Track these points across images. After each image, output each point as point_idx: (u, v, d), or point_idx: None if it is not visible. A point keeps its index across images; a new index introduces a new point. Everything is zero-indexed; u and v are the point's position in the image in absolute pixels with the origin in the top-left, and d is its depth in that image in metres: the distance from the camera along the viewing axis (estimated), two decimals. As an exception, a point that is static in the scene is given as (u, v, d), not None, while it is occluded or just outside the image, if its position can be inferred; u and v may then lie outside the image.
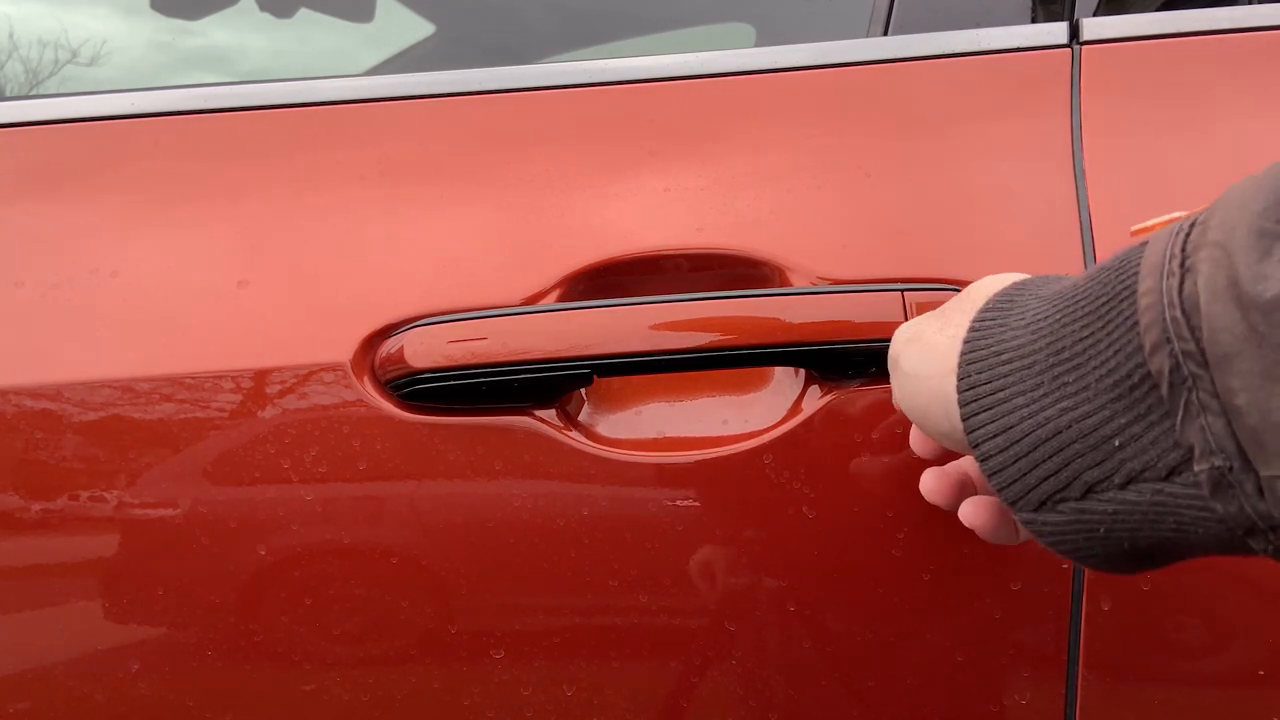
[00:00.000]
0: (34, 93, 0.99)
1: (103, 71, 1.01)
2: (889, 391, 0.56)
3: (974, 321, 0.40)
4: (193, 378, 0.58)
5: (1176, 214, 0.38)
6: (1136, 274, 0.33)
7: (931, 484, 0.51)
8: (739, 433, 0.58)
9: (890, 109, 0.63)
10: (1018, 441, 0.36)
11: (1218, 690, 0.59)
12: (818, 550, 0.58)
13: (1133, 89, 0.61)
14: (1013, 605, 0.58)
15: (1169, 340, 0.31)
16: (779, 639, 0.59)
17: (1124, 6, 0.68)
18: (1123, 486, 0.34)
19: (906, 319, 0.55)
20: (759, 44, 0.90)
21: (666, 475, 0.57)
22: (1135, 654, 0.58)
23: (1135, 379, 0.33)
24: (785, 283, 0.58)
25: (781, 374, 0.60)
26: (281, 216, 0.62)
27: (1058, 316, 0.37)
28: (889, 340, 0.50)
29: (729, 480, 0.57)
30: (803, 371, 0.59)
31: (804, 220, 0.59)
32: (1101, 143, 0.59)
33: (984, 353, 0.39)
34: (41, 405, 0.58)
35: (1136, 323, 0.33)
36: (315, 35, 1.11)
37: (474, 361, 0.55)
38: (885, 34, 0.67)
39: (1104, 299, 0.35)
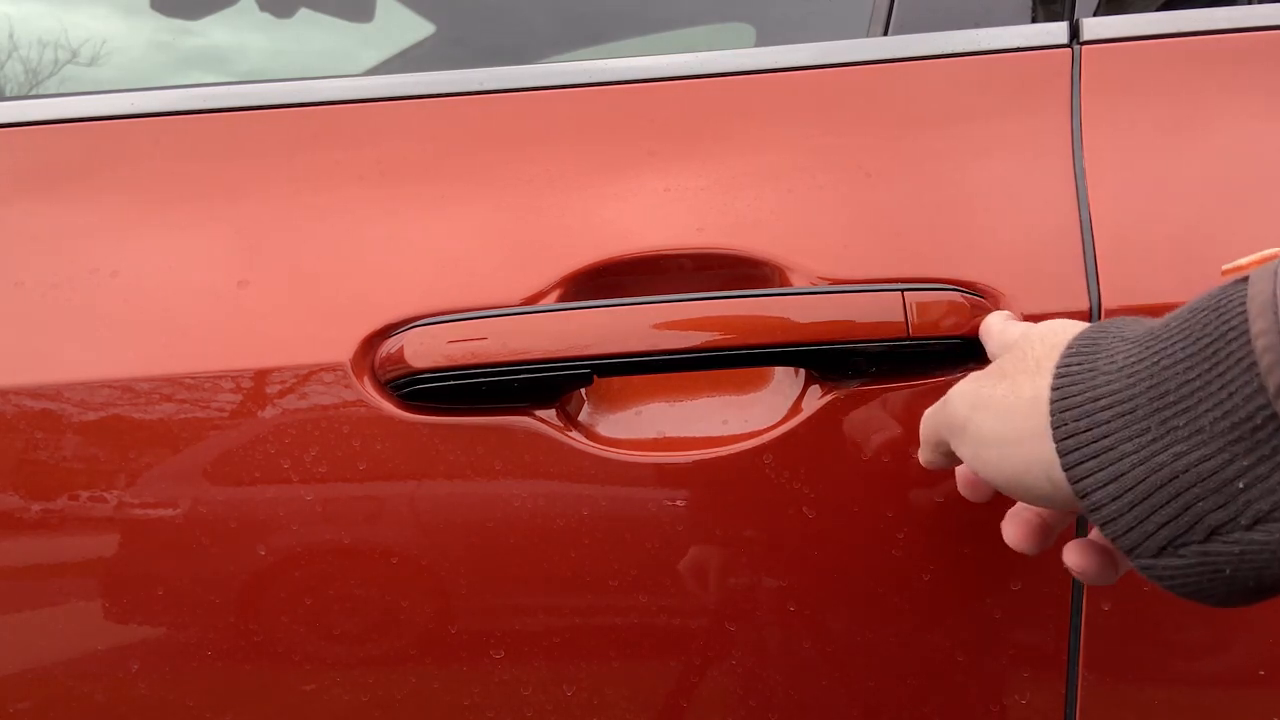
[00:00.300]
0: (34, 93, 0.99)
1: (103, 71, 1.01)
2: (889, 391, 0.56)
3: (1059, 369, 0.39)
4: (193, 378, 0.58)
5: (1269, 251, 0.38)
6: (1243, 314, 0.33)
7: (1015, 534, 0.51)
8: (739, 433, 0.58)
9: (890, 109, 0.63)
10: (1131, 489, 0.36)
11: (1218, 690, 0.59)
12: (818, 550, 0.57)
13: (1133, 89, 0.61)
14: (1013, 605, 0.58)
15: None
16: (779, 639, 0.59)
17: (1124, 6, 0.68)
18: (1249, 527, 0.34)
19: (906, 319, 0.55)
20: (759, 44, 0.90)
21: (666, 475, 0.57)
22: (1135, 654, 0.58)
23: (1258, 420, 0.32)
24: (785, 283, 0.58)
25: (781, 374, 0.60)
26: (281, 216, 0.62)
27: (1154, 359, 0.36)
28: (889, 340, 0.50)
29: (729, 480, 0.57)
30: (803, 371, 0.59)
31: (804, 220, 0.59)
32: (1101, 143, 0.59)
33: (1078, 398, 0.38)
34: (41, 405, 0.58)
35: (1254, 364, 0.32)
36: (315, 35, 1.11)
37: (474, 361, 0.55)
38: (885, 34, 0.67)
39: (1206, 340, 0.34)
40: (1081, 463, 0.37)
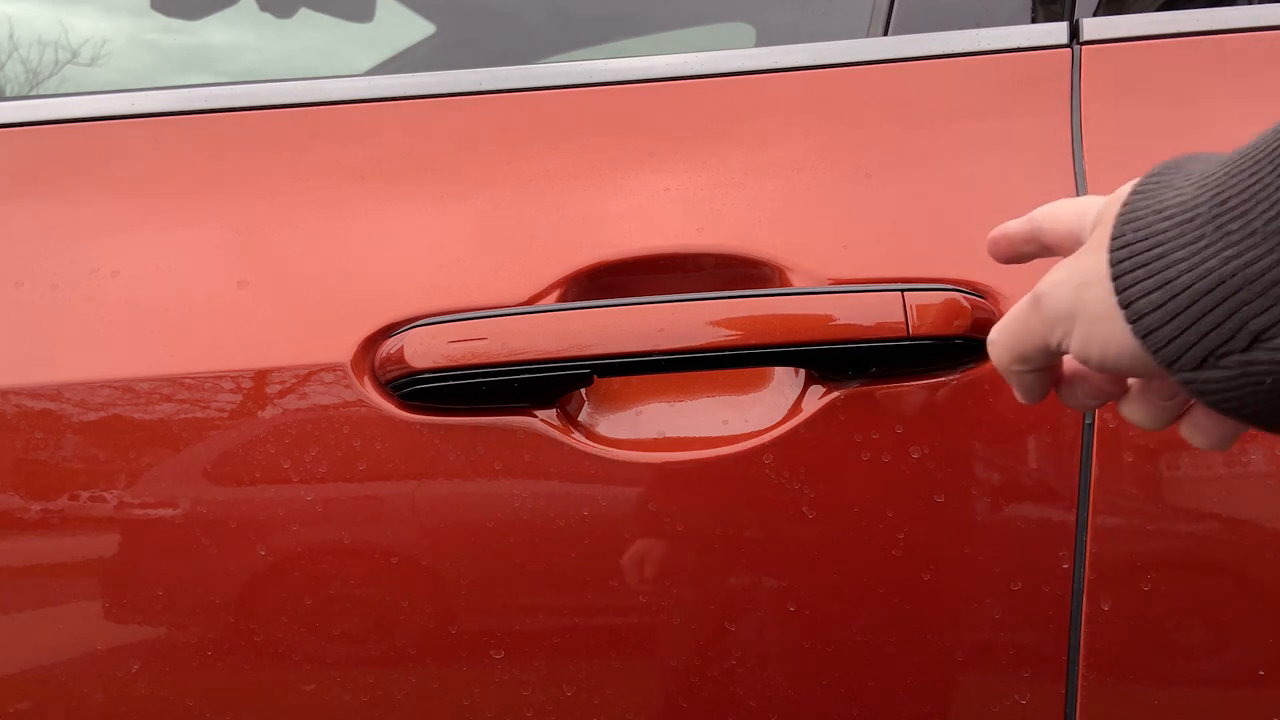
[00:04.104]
0: (34, 93, 0.99)
1: (103, 71, 1.01)
2: (889, 391, 0.56)
3: (1137, 184, 0.38)
4: (193, 378, 0.58)
5: None
6: None
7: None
8: (739, 433, 0.58)
9: (890, 109, 0.63)
10: (1176, 296, 0.35)
11: (1218, 690, 0.59)
12: (818, 550, 0.57)
13: (1133, 89, 0.61)
14: (1013, 605, 0.58)
15: None
16: (779, 639, 0.59)
17: (1124, 6, 0.68)
18: None
19: (906, 319, 0.55)
20: (759, 44, 0.90)
21: (666, 475, 0.57)
22: (1135, 654, 0.58)
23: None
24: (785, 283, 0.58)
25: (781, 374, 0.60)
26: (282, 217, 0.62)
27: (1226, 171, 0.36)
28: (889, 340, 0.50)
29: (729, 480, 0.57)
30: (803, 371, 0.59)
31: (804, 220, 0.59)
32: (1101, 143, 0.59)
33: (1143, 211, 0.37)
34: (41, 405, 0.58)
35: None
36: (315, 35, 1.11)
37: (474, 361, 0.55)
38: (885, 34, 0.67)
39: (1274, 146, 0.34)
40: (1130, 272, 0.36)
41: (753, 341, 0.55)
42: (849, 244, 0.59)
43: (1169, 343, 0.36)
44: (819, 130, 0.62)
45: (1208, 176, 0.36)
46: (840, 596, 0.58)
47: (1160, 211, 0.37)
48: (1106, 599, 0.57)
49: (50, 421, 0.58)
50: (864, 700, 0.59)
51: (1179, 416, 0.44)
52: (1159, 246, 0.36)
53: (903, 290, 0.55)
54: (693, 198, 0.60)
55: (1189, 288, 0.35)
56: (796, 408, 0.58)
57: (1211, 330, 0.35)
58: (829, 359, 0.56)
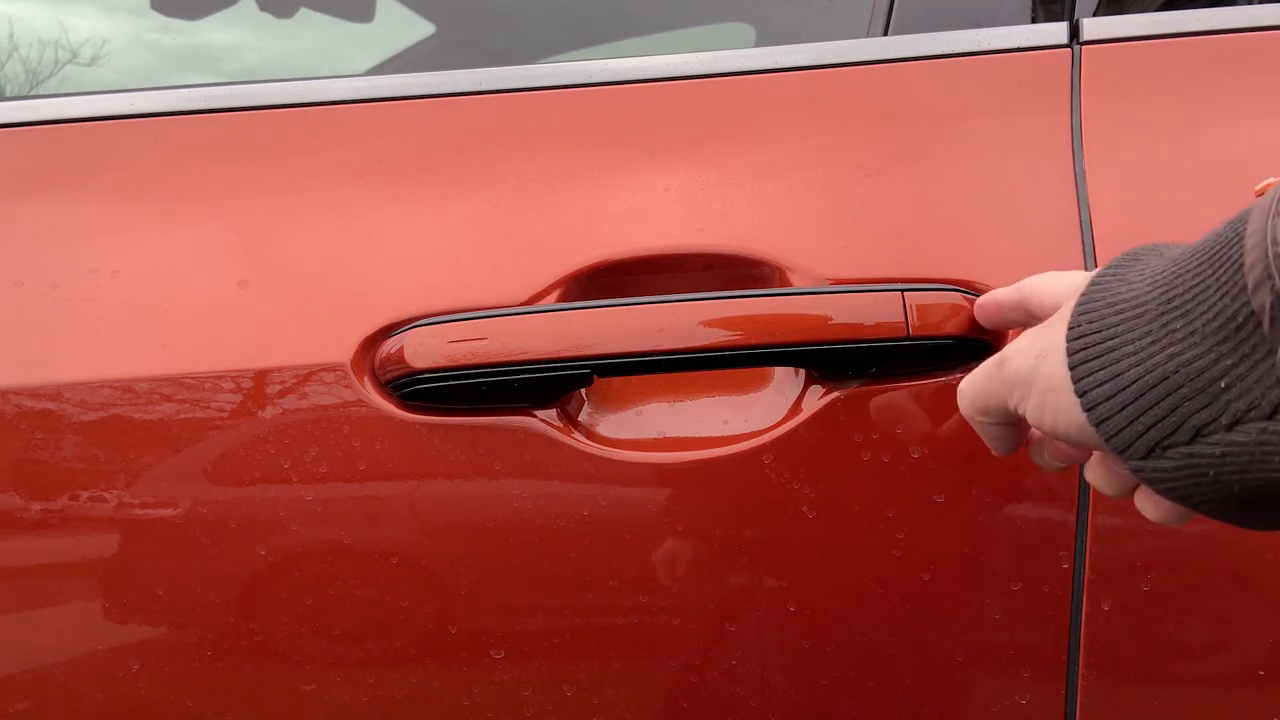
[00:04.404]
0: (34, 93, 0.99)
1: (103, 71, 1.01)
2: (889, 391, 0.56)
3: (1093, 278, 0.40)
4: (193, 378, 0.58)
5: None
6: (1245, 221, 0.34)
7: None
8: (739, 433, 0.58)
9: (890, 109, 0.63)
10: (1125, 388, 0.37)
11: (1218, 690, 0.59)
12: (818, 550, 0.57)
13: (1133, 89, 0.61)
14: (1013, 605, 0.58)
15: (1270, 277, 0.32)
16: (779, 639, 0.59)
17: (1124, 6, 0.68)
18: (1229, 428, 0.34)
19: (906, 319, 0.55)
20: (759, 44, 0.90)
21: (666, 475, 0.57)
22: (1135, 654, 0.58)
23: (1240, 319, 0.33)
24: (785, 283, 0.58)
25: (781, 374, 0.60)
26: (281, 217, 0.62)
27: (1174, 269, 0.37)
28: (889, 340, 0.50)
29: (729, 480, 0.57)
30: (803, 371, 0.59)
31: (804, 220, 0.59)
32: (1101, 143, 0.59)
33: (1098, 303, 0.39)
34: (41, 405, 0.58)
35: (1241, 264, 0.33)
36: (315, 35, 1.11)
37: (474, 361, 0.55)
38: (885, 34, 0.67)
39: (1216, 247, 0.35)
40: (1085, 362, 0.38)
41: (753, 341, 0.55)
42: (849, 244, 0.59)
43: (1119, 431, 0.38)
44: (819, 130, 0.62)
45: (1158, 274, 0.38)
46: (840, 596, 0.58)
47: (1113, 305, 0.39)
48: (1106, 599, 0.57)
49: (50, 421, 0.58)
50: (864, 700, 0.59)
51: (1135, 487, 0.46)
52: (1111, 340, 0.38)
53: (903, 290, 0.55)
54: (693, 198, 0.60)
55: (1136, 380, 0.37)
56: (796, 408, 0.58)
57: (1156, 423, 0.36)
58: (829, 359, 0.56)
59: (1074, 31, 0.63)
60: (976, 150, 0.61)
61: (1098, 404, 0.38)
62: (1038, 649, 0.58)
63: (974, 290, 0.56)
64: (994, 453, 0.51)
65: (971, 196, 0.59)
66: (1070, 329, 0.39)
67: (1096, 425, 0.38)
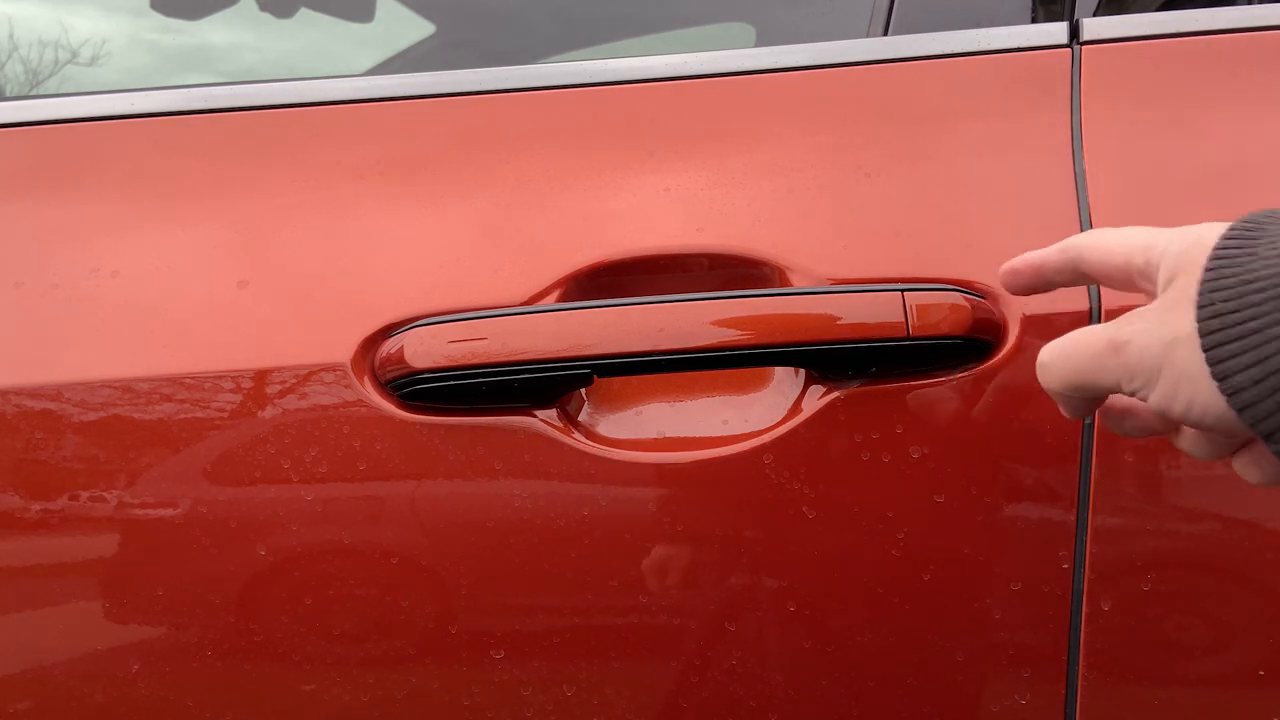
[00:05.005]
0: (34, 93, 0.99)
1: (103, 71, 1.01)
2: (889, 391, 0.56)
3: (1216, 249, 0.38)
4: (193, 378, 0.58)
5: None
6: None
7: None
8: (739, 433, 0.58)
9: (890, 109, 0.63)
10: (1275, 372, 0.35)
11: (1218, 690, 0.59)
12: (818, 550, 0.57)
13: (1133, 89, 0.61)
14: (1013, 605, 0.58)
15: None
16: (779, 639, 0.59)
17: (1124, 6, 0.68)
18: None
19: (906, 319, 0.55)
20: (759, 44, 0.90)
21: (666, 475, 0.57)
22: (1135, 654, 0.58)
23: None
24: (785, 283, 0.58)
25: (781, 374, 0.60)
26: (281, 217, 0.62)
27: None
28: (889, 340, 0.50)
29: (729, 480, 0.57)
30: (803, 371, 0.59)
31: (804, 220, 0.59)
32: (1101, 143, 0.59)
33: (1230, 280, 0.36)
34: (41, 405, 0.58)
35: None
36: (315, 35, 1.11)
37: (474, 361, 0.55)
38: (885, 34, 0.67)
39: None
40: (1224, 344, 0.36)
41: (753, 341, 0.55)
42: (849, 244, 0.59)
43: (1268, 416, 0.36)
44: (819, 130, 0.62)
45: None
46: (840, 597, 0.58)
47: (1251, 282, 0.36)
48: (1106, 599, 0.57)
49: (50, 421, 0.58)
50: (864, 700, 0.59)
51: (1236, 450, 0.44)
52: (1253, 320, 0.36)
53: (903, 290, 0.55)
54: (693, 198, 0.60)
55: None
56: (796, 408, 0.58)
57: None
58: (829, 359, 0.56)
59: (1074, 31, 0.63)
60: (976, 150, 0.61)
61: (1242, 388, 0.36)
62: (1038, 649, 0.58)
63: (974, 290, 0.56)
64: (1065, 415, 0.47)
65: (972, 196, 0.59)
66: (1201, 306, 0.37)
67: (1240, 410, 0.36)
